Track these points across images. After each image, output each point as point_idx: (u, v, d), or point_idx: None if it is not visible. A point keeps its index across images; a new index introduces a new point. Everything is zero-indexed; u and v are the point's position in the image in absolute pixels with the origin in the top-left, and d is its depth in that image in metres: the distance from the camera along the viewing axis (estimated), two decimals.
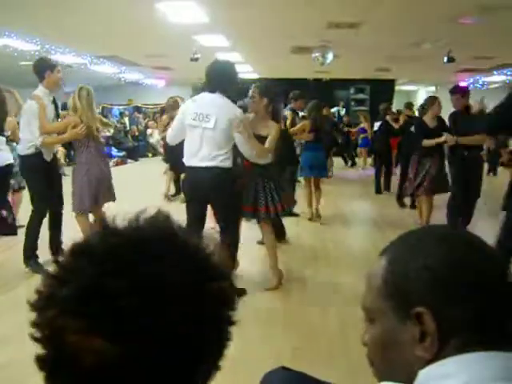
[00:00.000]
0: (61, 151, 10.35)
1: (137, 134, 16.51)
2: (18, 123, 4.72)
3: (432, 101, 5.94)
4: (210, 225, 4.26)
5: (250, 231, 4.92)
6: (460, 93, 5.62)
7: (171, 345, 0.54)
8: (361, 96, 17.16)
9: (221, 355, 0.63)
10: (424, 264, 0.72)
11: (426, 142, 5.67)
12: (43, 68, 4.28)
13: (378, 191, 8.91)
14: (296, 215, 6.39)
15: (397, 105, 14.40)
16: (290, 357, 2.87)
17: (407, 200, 7.49)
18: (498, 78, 13.29)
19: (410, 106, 9.56)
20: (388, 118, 8.99)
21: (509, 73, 12.46)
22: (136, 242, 0.57)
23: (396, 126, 8.89)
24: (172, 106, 7.23)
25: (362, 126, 12.99)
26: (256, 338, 3.18)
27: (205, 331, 0.57)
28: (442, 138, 5.52)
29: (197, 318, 0.55)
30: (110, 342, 0.51)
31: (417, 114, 8.55)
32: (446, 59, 9.33)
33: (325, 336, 3.27)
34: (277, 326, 3.44)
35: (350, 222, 7.04)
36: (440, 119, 5.85)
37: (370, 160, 12.69)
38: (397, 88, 17.25)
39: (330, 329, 3.38)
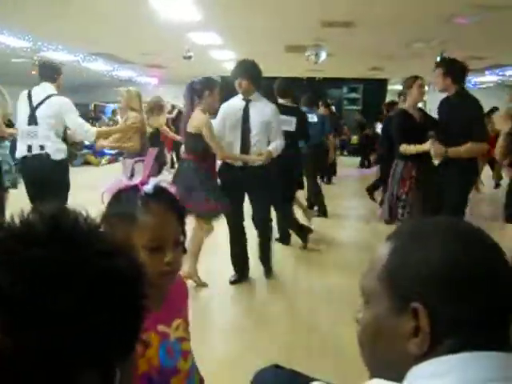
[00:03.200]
0: None
1: None
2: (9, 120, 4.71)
3: (410, 82, 4.15)
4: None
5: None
6: (441, 67, 4.04)
7: (67, 332, 0.51)
8: (353, 95, 17.21)
9: (130, 339, 0.58)
10: (424, 259, 0.71)
11: (407, 148, 3.97)
12: (56, 71, 4.63)
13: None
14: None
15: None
16: (283, 355, 2.87)
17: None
18: (490, 78, 13.37)
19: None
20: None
21: (501, 73, 12.53)
22: (19, 232, 0.55)
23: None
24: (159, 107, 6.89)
25: None
26: (248, 336, 3.19)
27: (102, 314, 0.53)
28: (426, 146, 3.84)
29: (90, 300, 0.52)
30: (1, 334, 0.49)
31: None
32: (439, 59, 9.36)
33: (317, 335, 3.28)
34: (269, 325, 3.44)
35: (344, 221, 7.05)
36: (422, 111, 4.36)
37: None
38: (390, 88, 17.30)
39: (322, 328, 3.39)
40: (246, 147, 4.04)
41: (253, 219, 4.26)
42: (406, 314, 0.70)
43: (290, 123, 5.04)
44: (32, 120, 4.28)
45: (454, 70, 3.97)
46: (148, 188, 1.11)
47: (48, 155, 4.22)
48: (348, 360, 2.92)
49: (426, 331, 0.68)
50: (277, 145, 4.12)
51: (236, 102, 4.12)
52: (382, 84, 16.44)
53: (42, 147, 4.22)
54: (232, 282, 4.22)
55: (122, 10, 6.67)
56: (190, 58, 9.32)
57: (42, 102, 4.33)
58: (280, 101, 5.12)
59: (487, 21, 6.53)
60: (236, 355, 2.87)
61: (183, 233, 1.18)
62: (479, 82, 14.42)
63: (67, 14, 6.90)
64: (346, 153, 15.99)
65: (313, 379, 1.17)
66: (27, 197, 4.21)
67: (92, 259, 0.54)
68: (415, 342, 0.69)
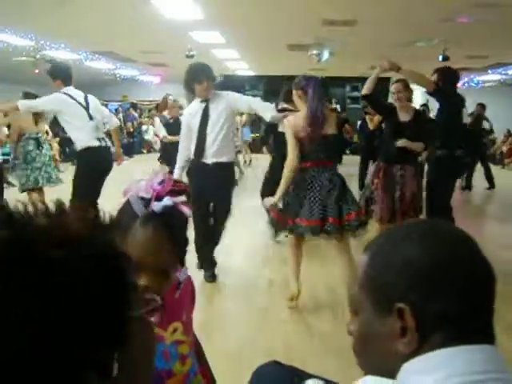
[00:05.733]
0: (55, 148, 10.31)
1: (132, 130, 16.47)
2: None
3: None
4: None
5: (250, 230, 4.92)
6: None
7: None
8: (356, 94, 17.17)
9: (116, 322, 0.52)
10: (404, 259, 0.72)
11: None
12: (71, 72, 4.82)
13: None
14: None
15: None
16: (283, 354, 2.88)
17: None
18: (492, 76, 13.34)
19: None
20: (367, 116, 8.73)
21: (503, 72, 12.50)
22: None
23: (370, 125, 8.31)
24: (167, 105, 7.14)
25: None
26: (249, 335, 3.20)
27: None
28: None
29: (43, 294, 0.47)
30: None
31: None
32: (440, 58, 9.35)
33: (318, 334, 3.29)
34: (270, 324, 3.45)
35: None
36: (415, 112, 4.49)
37: None
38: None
39: (322, 327, 3.40)
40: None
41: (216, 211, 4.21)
42: (391, 316, 0.71)
43: None
44: (90, 117, 4.69)
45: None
46: (157, 206, 1.08)
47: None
48: (349, 360, 2.93)
49: (412, 330, 0.70)
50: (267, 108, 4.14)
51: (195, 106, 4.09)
52: (384, 83, 16.39)
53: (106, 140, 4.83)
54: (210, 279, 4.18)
55: (125, 9, 6.68)
56: (192, 56, 9.33)
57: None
58: (284, 105, 5.10)
59: (489, 19, 6.52)
60: (236, 352, 2.88)
61: (173, 262, 1.14)
62: (482, 81, 14.40)
63: (70, 13, 6.92)
64: (348, 152, 15.94)
65: (312, 376, 1.18)
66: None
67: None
68: (404, 341, 0.71)
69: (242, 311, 3.67)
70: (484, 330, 0.70)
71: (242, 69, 14.16)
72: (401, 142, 4.19)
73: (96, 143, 4.63)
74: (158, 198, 1.09)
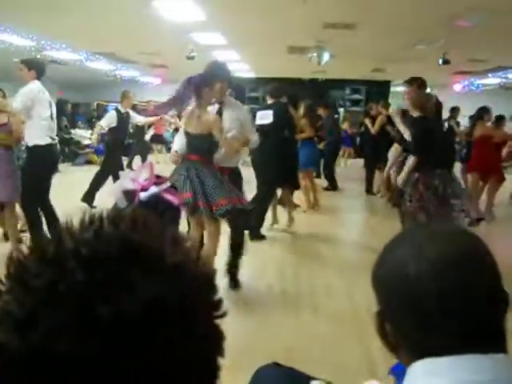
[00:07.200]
0: None
1: (131, 131, 16.46)
2: None
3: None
4: None
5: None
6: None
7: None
8: (356, 96, 17.17)
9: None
10: (385, 272, 0.76)
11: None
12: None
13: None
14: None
15: (392, 106, 14.44)
16: (283, 356, 2.87)
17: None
18: (493, 80, 13.35)
19: (385, 105, 8.93)
20: (366, 120, 8.84)
21: (503, 75, 12.51)
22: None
23: (372, 129, 8.46)
24: None
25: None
26: (248, 338, 3.19)
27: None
28: None
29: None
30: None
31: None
32: (441, 61, 9.36)
33: (317, 336, 3.29)
34: (269, 326, 3.45)
35: (345, 221, 7.06)
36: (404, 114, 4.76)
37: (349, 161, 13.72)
38: (392, 89, 17.28)
39: (322, 329, 3.40)
40: None
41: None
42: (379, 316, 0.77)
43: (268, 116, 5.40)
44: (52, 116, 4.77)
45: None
46: (144, 196, 1.09)
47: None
48: (349, 363, 2.93)
49: (391, 333, 0.75)
50: None
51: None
52: (384, 85, 16.41)
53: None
54: None
55: (126, 10, 6.69)
56: (193, 58, 9.33)
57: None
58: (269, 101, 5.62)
59: (489, 23, 6.53)
60: (234, 357, 2.88)
61: None
62: (482, 85, 14.41)
63: (71, 14, 6.92)
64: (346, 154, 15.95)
65: (313, 378, 1.18)
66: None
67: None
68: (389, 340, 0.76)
69: (242, 315, 3.67)
70: (493, 338, 0.70)
71: (243, 70, 14.15)
72: None
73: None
74: (144, 190, 1.10)
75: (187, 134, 3.63)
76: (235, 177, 4.04)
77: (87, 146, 12.92)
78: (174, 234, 0.51)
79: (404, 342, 0.74)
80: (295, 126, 5.96)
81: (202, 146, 3.56)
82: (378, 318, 0.76)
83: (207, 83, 3.76)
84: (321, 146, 8.79)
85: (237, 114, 4.02)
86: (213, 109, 3.95)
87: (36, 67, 4.69)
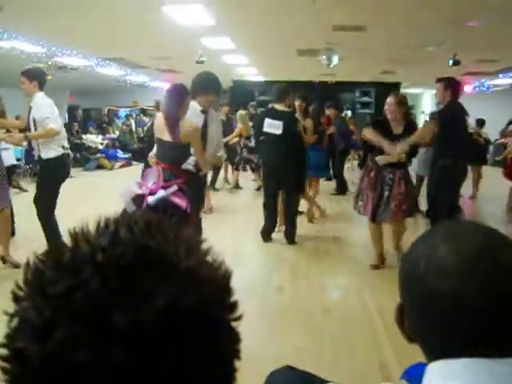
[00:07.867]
0: None
1: (142, 135, 16.55)
2: None
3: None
4: None
5: (259, 235, 4.91)
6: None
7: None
8: (366, 99, 17.13)
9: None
10: (401, 269, 0.77)
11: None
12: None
13: None
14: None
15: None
16: (294, 357, 2.87)
17: None
18: (503, 81, 13.24)
19: None
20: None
21: None
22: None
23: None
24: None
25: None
26: (259, 338, 3.19)
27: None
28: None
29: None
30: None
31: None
32: (451, 62, 9.31)
33: (328, 337, 3.28)
34: (280, 327, 3.45)
35: (354, 221, 7.03)
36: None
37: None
38: (402, 91, 17.23)
39: (333, 329, 3.39)
40: None
41: None
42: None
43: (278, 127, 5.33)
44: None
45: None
46: (152, 200, 1.09)
47: None
48: (361, 363, 2.92)
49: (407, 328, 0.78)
50: None
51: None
52: (394, 87, 16.35)
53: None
54: None
55: (136, 16, 6.73)
56: (202, 62, 9.37)
57: None
58: (276, 106, 5.47)
59: (499, 23, 6.49)
60: (245, 358, 2.88)
61: None
62: (493, 85, 14.31)
63: (81, 20, 6.98)
64: (356, 156, 15.87)
65: (327, 381, 1.17)
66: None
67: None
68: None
69: (252, 316, 3.67)
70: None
71: (252, 74, 14.18)
72: (378, 159, 4.52)
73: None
74: (152, 194, 1.10)
75: (160, 140, 3.44)
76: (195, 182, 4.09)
77: (99, 150, 13.01)
78: (188, 237, 0.51)
79: (419, 341, 0.74)
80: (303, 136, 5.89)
81: (173, 154, 3.29)
82: (398, 311, 0.78)
83: (193, 93, 3.79)
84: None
85: (215, 127, 4.03)
86: (198, 120, 3.84)
87: (37, 78, 4.60)
